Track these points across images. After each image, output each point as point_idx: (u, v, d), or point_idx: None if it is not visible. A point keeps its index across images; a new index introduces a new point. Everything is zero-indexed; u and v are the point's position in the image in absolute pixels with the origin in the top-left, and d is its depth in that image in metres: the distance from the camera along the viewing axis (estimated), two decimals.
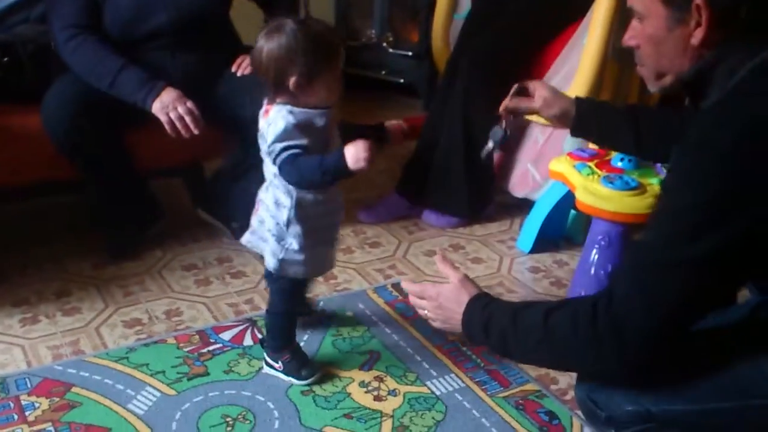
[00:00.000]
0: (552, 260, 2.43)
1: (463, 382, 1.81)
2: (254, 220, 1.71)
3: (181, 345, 1.90)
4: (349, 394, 1.76)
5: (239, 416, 1.67)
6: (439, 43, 2.89)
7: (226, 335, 1.94)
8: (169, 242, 2.38)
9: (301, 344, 1.91)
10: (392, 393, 1.77)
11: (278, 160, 1.54)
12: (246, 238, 1.74)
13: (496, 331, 1.37)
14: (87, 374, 1.77)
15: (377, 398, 1.75)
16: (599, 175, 2.03)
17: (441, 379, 1.82)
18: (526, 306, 1.40)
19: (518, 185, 2.65)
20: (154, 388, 1.74)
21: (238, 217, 2.40)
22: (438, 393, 1.77)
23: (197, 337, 1.93)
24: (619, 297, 1.21)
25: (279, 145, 1.53)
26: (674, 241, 1.17)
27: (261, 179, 2.34)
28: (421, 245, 2.48)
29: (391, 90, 3.66)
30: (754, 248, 1.15)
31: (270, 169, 1.63)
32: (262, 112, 1.60)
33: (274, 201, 1.64)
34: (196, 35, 2.23)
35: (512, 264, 2.40)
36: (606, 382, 1.37)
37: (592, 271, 2.08)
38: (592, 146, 2.41)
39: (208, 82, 2.27)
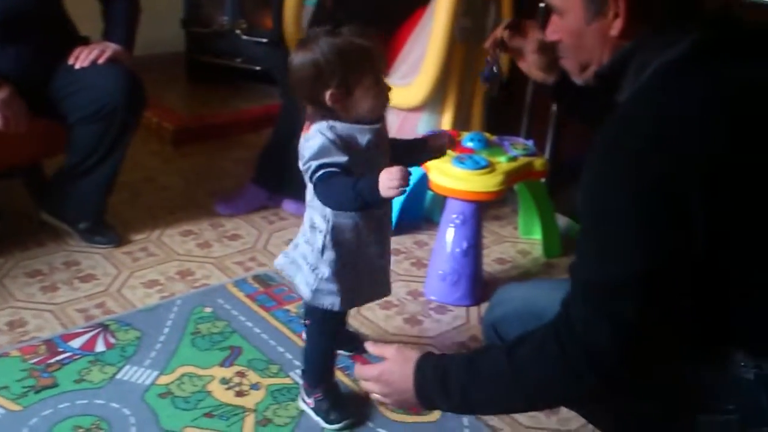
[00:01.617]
0: (412, 241, 2.46)
1: None
2: (291, 244, 1.60)
3: (27, 357, 1.78)
4: (210, 392, 1.71)
5: (93, 426, 1.59)
6: (291, 30, 2.83)
7: (76, 343, 1.84)
8: (10, 248, 2.23)
9: (158, 345, 1.85)
10: (255, 387, 1.74)
11: (313, 179, 1.42)
12: (278, 261, 1.60)
13: (456, 388, 1.25)
14: None
15: (239, 394, 1.71)
16: (451, 156, 2.07)
17: None
18: (481, 352, 1.32)
19: None
20: None
21: (85, 218, 2.29)
22: (302, 383, 1.76)
23: (44, 347, 1.82)
24: (581, 324, 1.14)
25: (314, 163, 1.40)
26: (609, 255, 1.12)
27: (108, 176, 2.24)
28: (283, 235, 2.44)
29: (248, 78, 3.58)
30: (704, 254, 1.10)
31: (309, 190, 1.50)
32: (304, 128, 1.48)
33: (309, 224, 1.53)
34: (28, 27, 2.10)
35: None
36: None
37: (449, 249, 2.11)
38: (444, 128, 2.46)
39: (44, 75, 2.15)
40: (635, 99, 1.17)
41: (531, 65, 1.58)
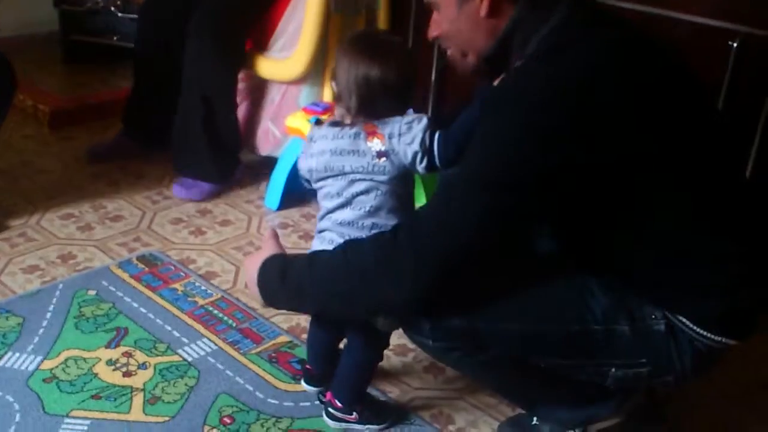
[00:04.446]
0: (300, 214, 2.48)
1: (215, 344, 1.82)
2: None
3: None
4: (96, 374, 1.70)
5: None
6: None
7: None
8: None
9: (41, 330, 1.82)
10: (142, 366, 1.73)
11: (433, 146, 1.39)
12: None
13: (293, 276, 1.34)
14: None
15: (126, 374, 1.71)
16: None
17: (193, 345, 1.81)
18: (325, 251, 1.38)
19: (261, 144, 2.66)
20: None
21: None
22: (190, 359, 1.77)
23: None
24: (423, 216, 1.27)
25: (424, 132, 1.39)
26: (482, 171, 1.23)
27: None
28: (167, 214, 2.42)
29: (126, 56, 3.47)
30: (561, 192, 1.22)
31: (368, 203, 1.41)
32: (364, 136, 1.41)
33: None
34: None
35: (261, 222, 2.42)
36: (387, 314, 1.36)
37: None
38: (325, 100, 2.48)
39: None
40: (527, 63, 1.27)
41: None
